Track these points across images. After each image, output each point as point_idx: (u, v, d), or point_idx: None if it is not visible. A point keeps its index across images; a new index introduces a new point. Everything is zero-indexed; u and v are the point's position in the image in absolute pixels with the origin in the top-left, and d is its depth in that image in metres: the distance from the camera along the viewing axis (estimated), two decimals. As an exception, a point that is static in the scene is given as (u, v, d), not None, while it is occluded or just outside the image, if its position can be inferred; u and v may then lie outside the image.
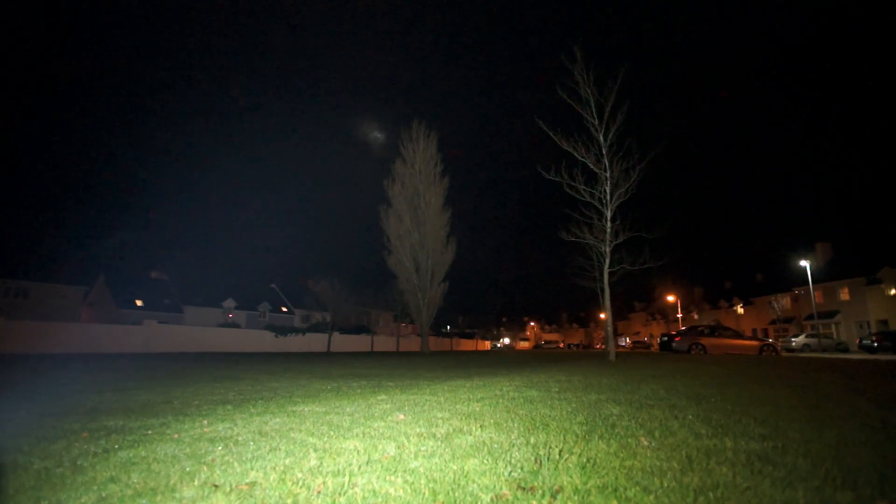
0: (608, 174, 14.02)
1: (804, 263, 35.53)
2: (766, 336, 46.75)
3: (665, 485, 1.93)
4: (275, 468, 2.20)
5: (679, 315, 58.76)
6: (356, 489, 1.90)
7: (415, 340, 46.78)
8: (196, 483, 2.01)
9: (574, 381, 6.38)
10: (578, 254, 17.24)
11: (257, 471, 2.16)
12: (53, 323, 21.82)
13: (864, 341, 26.76)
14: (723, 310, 59.10)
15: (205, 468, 2.22)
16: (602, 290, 15.13)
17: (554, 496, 1.81)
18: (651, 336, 69.16)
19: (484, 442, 2.68)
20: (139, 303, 44.14)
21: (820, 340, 33.23)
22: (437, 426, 3.15)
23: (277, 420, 3.47)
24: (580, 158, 14.17)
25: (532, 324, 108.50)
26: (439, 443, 2.67)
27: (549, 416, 3.53)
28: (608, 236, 14.12)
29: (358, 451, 2.49)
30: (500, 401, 4.36)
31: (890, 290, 38.24)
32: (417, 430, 3.04)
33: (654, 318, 74.47)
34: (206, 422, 3.43)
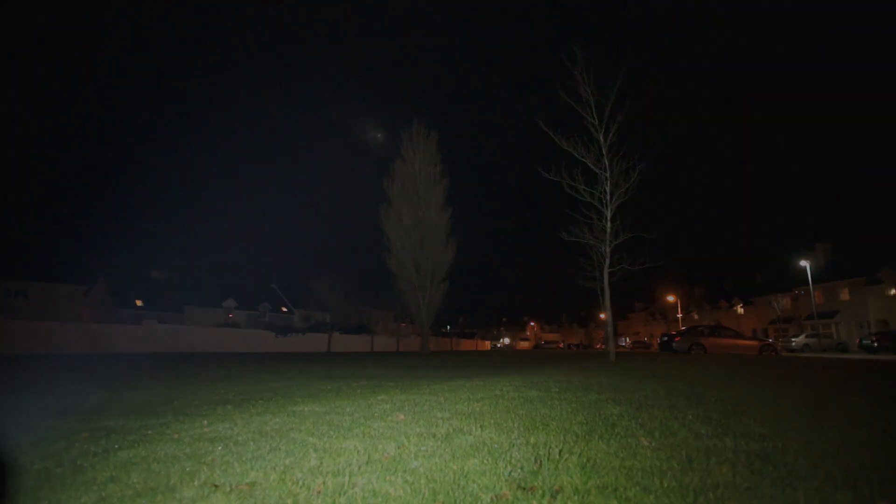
0: (608, 174, 14.00)
1: (804, 263, 35.54)
2: (766, 336, 46.72)
3: (665, 485, 1.93)
4: (275, 468, 2.20)
5: (679, 315, 58.73)
6: (356, 489, 1.90)
7: (415, 340, 46.76)
8: (196, 483, 2.01)
9: (574, 381, 6.38)
10: (578, 254, 17.20)
11: (257, 471, 2.16)
12: (53, 323, 21.82)
13: (864, 341, 26.77)
14: (723, 310, 59.06)
15: (205, 468, 2.22)
16: (602, 290, 15.11)
17: (554, 496, 1.81)
18: (651, 336, 69.13)
19: (484, 442, 2.68)
20: (139, 303, 44.16)
21: (820, 340, 33.24)
22: (437, 426, 3.15)
23: (277, 420, 3.47)
24: (580, 158, 14.16)
25: (532, 324, 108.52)
26: (439, 443, 2.67)
27: (549, 416, 3.53)
28: (608, 236, 14.11)
29: (358, 451, 2.49)
30: (500, 401, 4.36)
31: (890, 290, 38.22)
32: (417, 430, 3.04)
33: (654, 318, 74.45)
34: (206, 422, 3.43)
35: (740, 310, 56.76)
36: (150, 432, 3.08)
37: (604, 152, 14.07)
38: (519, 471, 2.12)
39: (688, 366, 9.80)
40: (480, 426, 3.13)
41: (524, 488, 1.89)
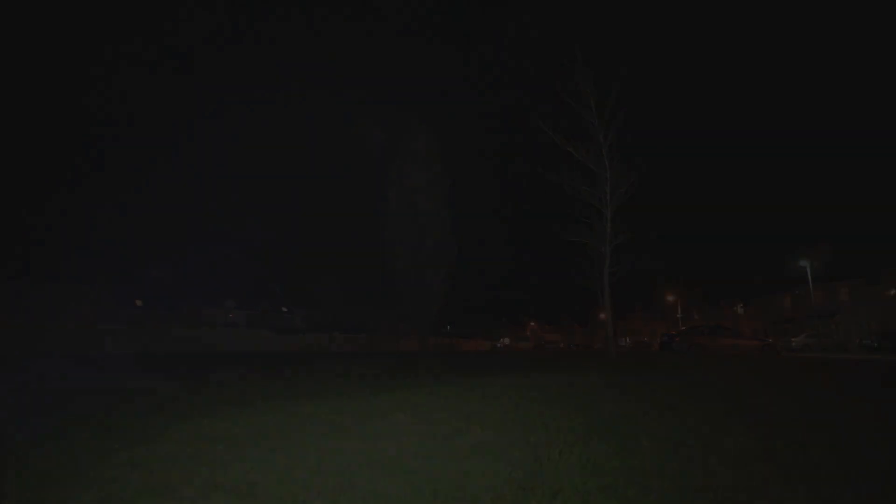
0: (608, 174, 14.03)
1: (804, 263, 35.54)
2: (767, 336, 46.74)
3: (665, 485, 1.93)
4: (275, 468, 2.20)
5: (679, 315, 58.72)
6: (356, 489, 1.90)
7: (415, 340, 46.77)
8: (196, 483, 2.01)
9: (574, 381, 6.38)
10: (578, 254, 17.23)
11: (257, 471, 2.16)
12: (52, 323, 21.79)
13: (864, 341, 26.78)
14: (723, 310, 59.06)
15: (205, 468, 2.21)
16: (602, 290, 15.13)
17: (554, 496, 1.81)
18: (651, 336, 69.10)
19: (484, 442, 2.67)
20: (139, 303, 44.14)
21: (820, 340, 33.22)
22: (437, 426, 3.15)
23: (277, 420, 3.46)
24: (580, 158, 14.18)
25: (532, 324, 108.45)
26: (439, 443, 2.67)
27: (549, 416, 3.53)
28: (608, 236, 14.13)
29: (358, 451, 2.48)
30: (500, 401, 4.36)
31: (890, 290, 38.22)
32: (417, 430, 3.04)
33: (654, 318, 74.37)
34: (205, 422, 3.43)
35: (740, 310, 56.76)
36: (150, 432, 3.08)
37: (604, 152, 14.09)
38: (519, 471, 2.12)
39: (688, 366, 9.81)
40: (480, 426, 3.13)
41: (524, 488, 1.89)
